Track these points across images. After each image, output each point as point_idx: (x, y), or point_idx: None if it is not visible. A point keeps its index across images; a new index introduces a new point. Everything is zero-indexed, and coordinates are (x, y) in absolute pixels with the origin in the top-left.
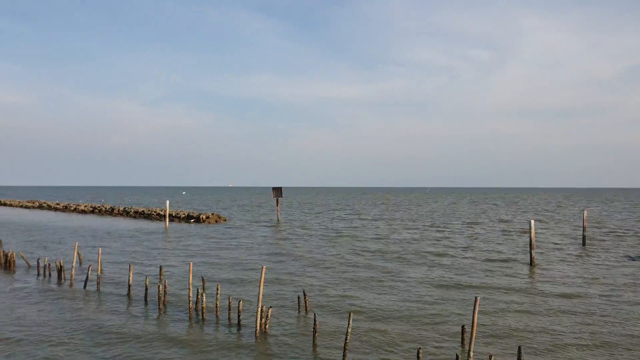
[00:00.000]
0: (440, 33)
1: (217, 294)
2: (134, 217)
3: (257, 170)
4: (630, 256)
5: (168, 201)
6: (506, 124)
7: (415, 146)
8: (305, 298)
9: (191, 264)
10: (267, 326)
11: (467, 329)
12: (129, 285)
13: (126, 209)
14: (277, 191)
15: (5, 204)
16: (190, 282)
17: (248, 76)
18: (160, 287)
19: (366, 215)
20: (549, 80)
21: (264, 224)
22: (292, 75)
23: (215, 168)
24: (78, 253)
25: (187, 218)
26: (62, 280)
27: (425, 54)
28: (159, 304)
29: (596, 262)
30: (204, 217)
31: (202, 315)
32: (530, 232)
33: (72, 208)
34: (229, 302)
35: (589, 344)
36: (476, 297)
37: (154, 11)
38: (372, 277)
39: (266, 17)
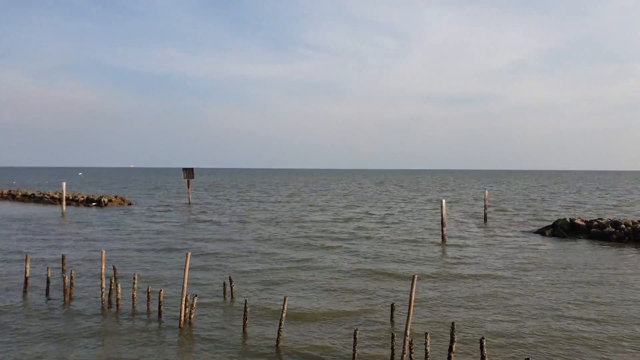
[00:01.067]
0: (350, 18)
1: (133, 282)
2: (22, 201)
3: (161, 150)
4: (524, 231)
5: (64, 183)
6: (413, 109)
7: (327, 127)
8: (231, 285)
9: (103, 252)
10: (192, 316)
11: (398, 306)
12: (26, 278)
13: (12, 191)
14: (189, 172)
15: None
16: (103, 270)
17: (152, 50)
18: (66, 278)
19: (277, 196)
20: (448, 68)
21: (174, 207)
22: (201, 52)
23: (114, 147)
24: None
25: (87, 201)
26: None
27: (336, 37)
28: (64, 297)
29: (498, 235)
30: (106, 200)
31: (117, 306)
32: (442, 211)
33: None
34: (148, 292)
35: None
36: (414, 276)
37: None
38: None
39: None
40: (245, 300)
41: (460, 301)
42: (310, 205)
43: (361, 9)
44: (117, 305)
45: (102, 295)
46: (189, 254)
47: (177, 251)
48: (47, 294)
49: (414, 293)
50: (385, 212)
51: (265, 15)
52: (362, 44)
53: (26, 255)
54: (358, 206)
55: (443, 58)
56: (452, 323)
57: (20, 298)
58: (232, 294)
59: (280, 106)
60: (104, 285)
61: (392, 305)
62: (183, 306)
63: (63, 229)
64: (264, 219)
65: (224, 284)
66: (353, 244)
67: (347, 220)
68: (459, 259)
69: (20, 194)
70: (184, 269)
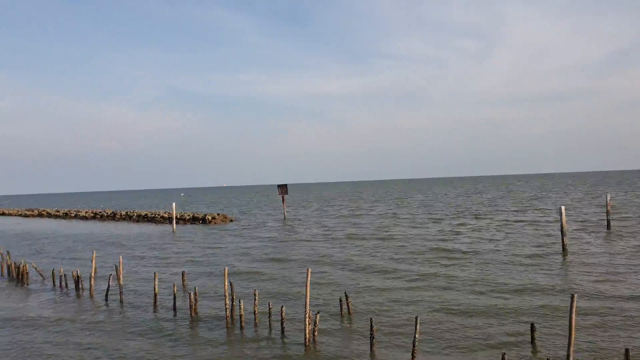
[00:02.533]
0: (426, 24)
1: (254, 299)
2: (137, 222)
3: (250, 168)
4: None
5: (175, 203)
6: (497, 112)
7: (407, 137)
8: (347, 301)
9: (226, 269)
10: (316, 334)
11: (539, 327)
12: (155, 295)
13: (128, 213)
14: (283, 188)
15: (4, 214)
16: (226, 287)
17: (236, 74)
18: (192, 295)
19: (370, 209)
20: (535, 66)
21: (272, 222)
22: (279, 72)
23: (209, 168)
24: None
25: (193, 219)
26: (81, 292)
27: (413, 45)
28: (190, 313)
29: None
30: (210, 217)
31: (241, 323)
32: (561, 219)
33: (73, 215)
34: (269, 309)
35: None
36: (573, 295)
37: (139, 12)
38: (397, 270)
39: (249, 15)
40: (371, 319)
41: (627, 323)
42: (405, 218)
43: (438, 13)
44: (241, 322)
45: (226, 312)
46: (309, 269)
47: (283, 266)
48: (174, 309)
49: (574, 315)
50: (490, 222)
51: (340, 30)
52: (441, 48)
53: (154, 273)
54: (458, 218)
55: (529, 56)
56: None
57: (151, 314)
58: (349, 310)
59: (359, 118)
60: (227, 302)
61: (531, 326)
62: (307, 323)
63: (177, 247)
64: (363, 233)
65: (340, 300)
66: (467, 258)
67: (456, 233)
68: (590, 271)
69: (135, 214)
70: (305, 285)
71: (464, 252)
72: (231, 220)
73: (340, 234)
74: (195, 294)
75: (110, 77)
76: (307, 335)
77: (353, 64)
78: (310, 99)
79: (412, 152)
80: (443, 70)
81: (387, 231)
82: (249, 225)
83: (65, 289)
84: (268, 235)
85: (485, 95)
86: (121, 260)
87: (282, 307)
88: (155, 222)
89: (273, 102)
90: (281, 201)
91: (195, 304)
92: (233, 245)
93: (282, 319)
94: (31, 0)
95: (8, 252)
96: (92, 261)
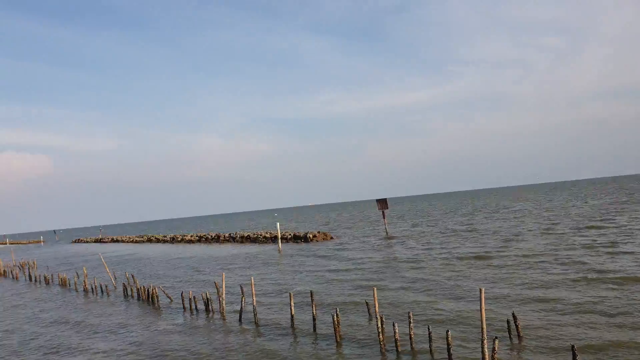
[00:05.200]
0: (506, 25)
1: (409, 321)
2: (241, 242)
3: (334, 186)
4: None
5: (278, 223)
6: (591, 110)
7: (495, 143)
8: (516, 323)
9: (375, 289)
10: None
11: None
12: (292, 316)
13: (232, 234)
14: (382, 203)
15: (117, 241)
16: (377, 309)
17: (315, 96)
18: (335, 317)
19: (470, 219)
20: (632, 58)
21: (374, 239)
22: (359, 89)
23: (295, 189)
24: (214, 283)
25: (294, 238)
26: (211, 314)
27: (493, 48)
28: (335, 336)
29: None
30: (311, 235)
31: (397, 347)
32: None
33: (179, 239)
34: (429, 332)
35: None
36: None
37: (217, 44)
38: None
39: (323, 36)
40: (573, 346)
41: None
42: (529, 230)
43: (518, 12)
44: (396, 345)
45: (379, 336)
46: (482, 289)
47: (421, 286)
48: (314, 329)
49: None
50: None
51: (416, 40)
52: (525, 48)
53: (290, 294)
54: (589, 229)
55: (626, 47)
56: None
57: (290, 337)
58: (518, 332)
59: (440, 128)
60: (379, 325)
61: None
62: (485, 350)
63: (290, 267)
64: (490, 252)
65: (508, 322)
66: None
67: (613, 246)
68: None
69: (238, 236)
70: (480, 307)
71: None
72: (331, 238)
73: (461, 252)
74: (337, 314)
75: (197, 110)
76: None
77: (430, 73)
78: (390, 112)
79: (502, 158)
80: (529, 71)
81: (535, 252)
82: (350, 242)
83: (196, 312)
84: (383, 253)
85: (575, 93)
86: (253, 281)
87: (448, 331)
88: (258, 242)
89: (352, 119)
90: (380, 216)
91: (338, 326)
92: (344, 263)
93: (448, 344)
94: (117, 48)
95: (133, 276)
96: (223, 283)
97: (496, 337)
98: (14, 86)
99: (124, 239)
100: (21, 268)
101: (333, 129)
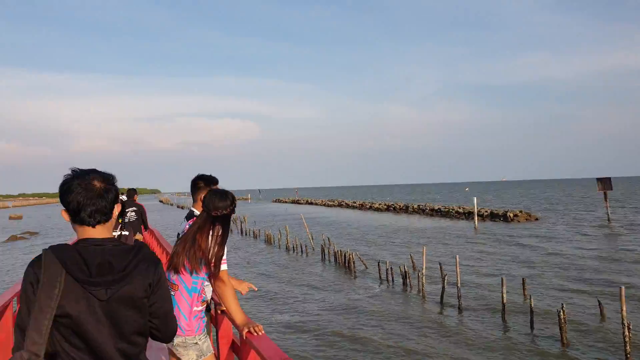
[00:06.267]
0: None
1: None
2: (431, 215)
3: (532, 161)
4: None
5: (475, 198)
6: None
7: None
8: None
9: (622, 289)
10: None
11: None
12: (503, 304)
13: (420, 206)
14: (605, 183)
15: (311, 203)
16: (624, 310)
17: (514, 60)
18: (560, 313)
19: None
20: None
21: (588, 224)
22: (567, 51)
23: (487, 162)
24: (410, 257)
25: (491, 216)
26: (408, 289)
27: None
28: (561, 338)
29: None
30: (512, 215)
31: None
32: None
33: (368, 206)
34: None
35: None
36: None
37: (417, 9)
38: None
39: None
40: None
41: None
42: None
43: None
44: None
45: (624, 339)
46: None
47: None
48: (531, 325)
49: None
50: None
51: None
52: None
53: (502, 278)
54: None
55: None
56: None
57: (500, 325)
58: None
59: None
60: (626, 333)
61: None
62: None
63: (492, 247)
64: None
65: None
66: None
67: None
68: None
69: (428, 208)
70: None
71: None
72: (536, 219)
73: None
74: (562, 310)
75: (389, 77)
76: None
77: None
78: (605, 78)
79: None
80: None
81: None
82: (559, 226)
83: (392, 284)
84: (607, 243)
85: None
86: (457, 260)
87: None
88: (449, 217)
89: (560, 85)
90: (595, 199)
91: (564, 324)
92: (556, 248)
93: None
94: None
95: (329, 239)
96: (424, 257)
97: None
98: (228, 60)
99: (317, 201)
100: (234, 222)
101: (536, 96)
